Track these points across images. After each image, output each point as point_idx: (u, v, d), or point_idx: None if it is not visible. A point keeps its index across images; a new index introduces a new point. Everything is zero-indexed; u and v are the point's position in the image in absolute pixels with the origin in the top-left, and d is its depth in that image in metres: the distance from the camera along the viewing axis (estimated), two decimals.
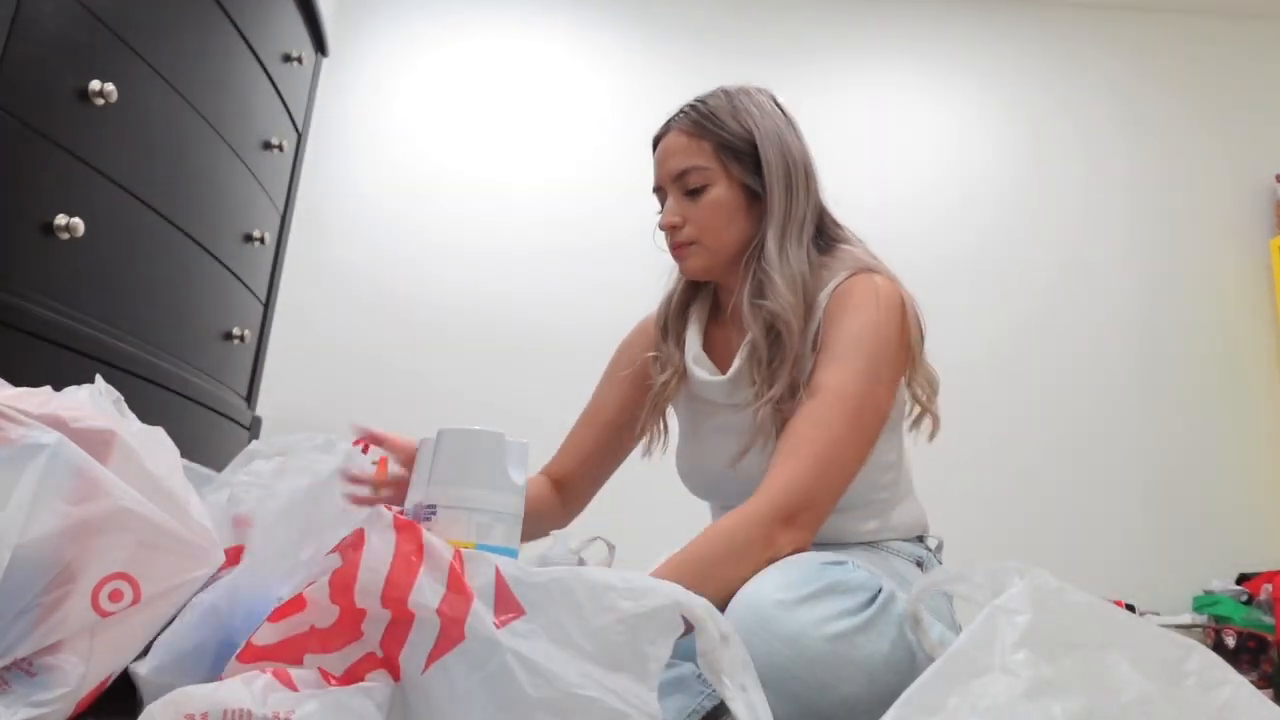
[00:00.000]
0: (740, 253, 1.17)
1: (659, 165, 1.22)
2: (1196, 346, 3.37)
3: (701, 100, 1.21)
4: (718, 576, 0.90)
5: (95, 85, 1.26)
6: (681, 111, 1.22)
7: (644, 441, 1.28)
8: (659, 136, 1.24)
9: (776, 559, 0.93)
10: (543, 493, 1.30)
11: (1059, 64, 3.63)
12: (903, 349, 1.09)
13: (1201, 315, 3.41)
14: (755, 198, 1.16)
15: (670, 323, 1.27)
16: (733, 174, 1.16)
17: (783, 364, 1.07)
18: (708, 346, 1.24)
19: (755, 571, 0.91)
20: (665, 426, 1.27)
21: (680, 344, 1.25)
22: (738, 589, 0.90)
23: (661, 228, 1.21)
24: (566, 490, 1.32)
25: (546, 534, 1.31)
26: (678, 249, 1.20)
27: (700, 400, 1.22)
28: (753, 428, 1.09)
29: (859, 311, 1.07)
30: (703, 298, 1.28)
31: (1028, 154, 3.55)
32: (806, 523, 0.97)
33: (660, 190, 1.23)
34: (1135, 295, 3.43)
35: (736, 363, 1.15)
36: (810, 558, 0.94)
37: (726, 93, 1.21)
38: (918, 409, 1.15)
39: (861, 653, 0.80)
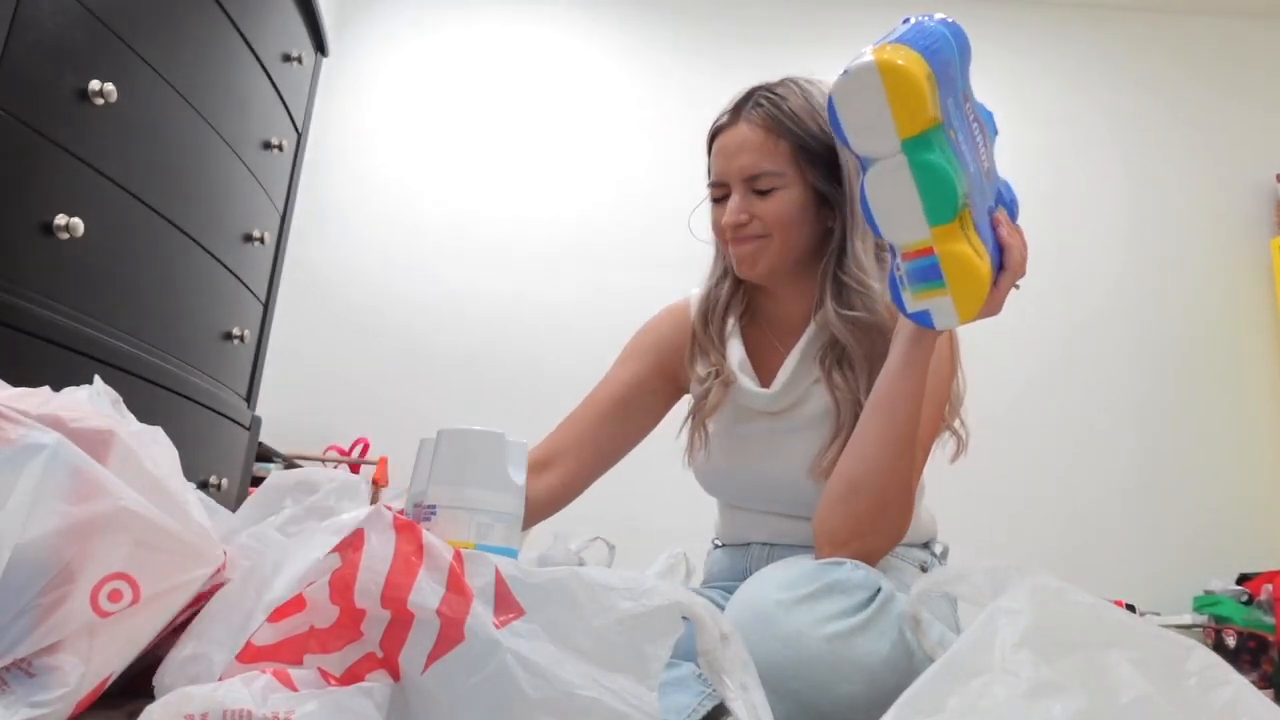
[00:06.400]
0: (805, 257, 1.13)
1: (726, 159, 1.11)
2: (1196, 346, 3.38)
3: (774, 93, 1.11)
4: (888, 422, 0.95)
5: (95, 85, 1.26)
6: (753, 103, 1.11)
7: (686, 452, 1.22)
8: (723, 126, 1.13)
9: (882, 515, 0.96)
10: None
11: (1057, 63, 3.63)
12: (952, 376, 1.10)
13: (1201, 315, 3.41)
14: (823, 203, 1.11)
15: (714, 322, 1.19)
16: (807, 178, 1.09)
17: (871, 372, 1.05)
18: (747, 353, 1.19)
19: (889, 461, 0.95)
20: (707, 434, 1.19)
21: (722, 347, 1.18)
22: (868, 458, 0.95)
23: (723, 225, 1.11)
24: (551, 471, 1.17)
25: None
26: (742, 244, 1.11)
27: (740, 408, 1.17)
28: (831, 434, 1.07)
29: None
30: (736, 302, 1.21)
31: (1026, 153, 3.55)
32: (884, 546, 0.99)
33: (719, 185, 1.13)
34: (1135, 295, 3.43)
35: (785, 375, 1.12)
36: (810, 558, 0.94)
37: (800, 87, 1.11)
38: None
39: (860, 652, 0.80)
